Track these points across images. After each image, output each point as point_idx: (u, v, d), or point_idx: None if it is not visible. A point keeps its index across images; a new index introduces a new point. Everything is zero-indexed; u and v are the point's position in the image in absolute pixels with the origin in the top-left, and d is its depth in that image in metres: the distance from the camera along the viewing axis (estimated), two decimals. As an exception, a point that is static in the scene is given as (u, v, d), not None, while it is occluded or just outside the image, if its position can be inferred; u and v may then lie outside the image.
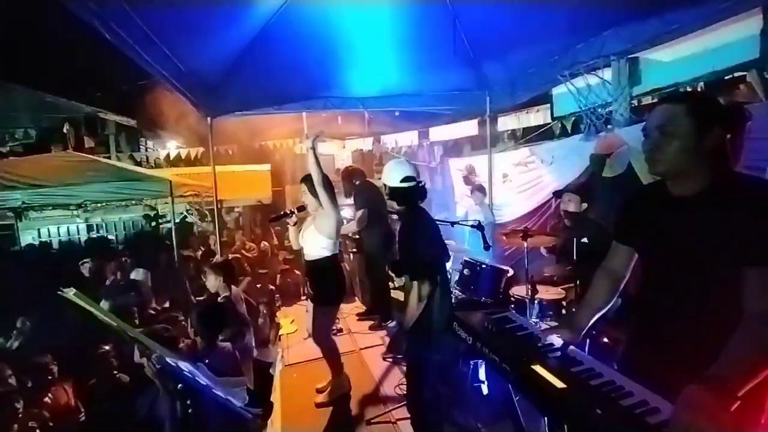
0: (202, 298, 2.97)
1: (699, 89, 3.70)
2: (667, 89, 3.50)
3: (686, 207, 1.12)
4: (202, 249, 6.39)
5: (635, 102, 3.92)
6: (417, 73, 4.05)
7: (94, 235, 8.32)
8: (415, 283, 1.83)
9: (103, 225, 8.69)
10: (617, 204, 1.46)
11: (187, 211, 8.43)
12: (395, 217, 3.89)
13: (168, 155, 10.22)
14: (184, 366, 1.06)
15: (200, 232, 7.81)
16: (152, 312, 4.10)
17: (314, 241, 2.59)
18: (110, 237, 8.42)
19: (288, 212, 2.75)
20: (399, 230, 1.99)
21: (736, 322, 0.99)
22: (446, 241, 4.09)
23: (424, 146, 8.63)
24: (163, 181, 4.58)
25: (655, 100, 4.45)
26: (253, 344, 2.99)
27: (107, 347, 2.43)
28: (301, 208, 2.70)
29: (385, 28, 3.28)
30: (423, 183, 2.00)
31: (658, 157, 1.10)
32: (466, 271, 2.94)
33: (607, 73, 3.55)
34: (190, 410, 1.08)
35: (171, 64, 3.10)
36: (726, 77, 3.55)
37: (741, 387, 0.91)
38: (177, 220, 7.85)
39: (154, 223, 8.08)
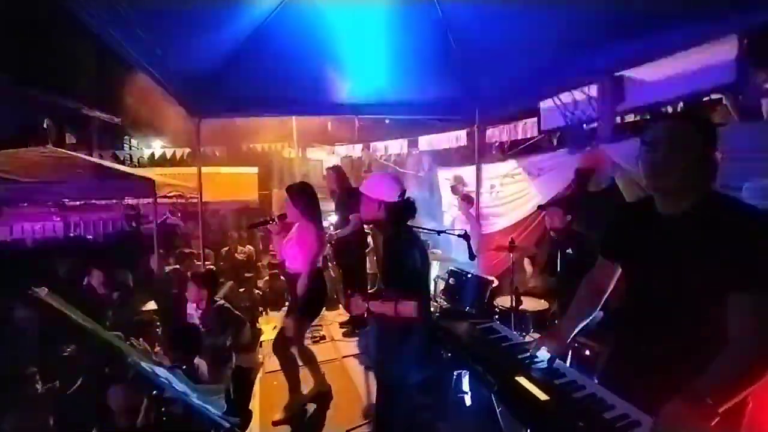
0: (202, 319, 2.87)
1: (679, 109, 3.84)
2: (649, 108, 3.61)
3: (673, 225, 1.14)
4: (185, 251, 6.25)
5: (618, 119, 4.03)
6: (408, 82, 4.08)
7: (72, 234, 8.05)
8: (413, 303, 1.71)
9: (81, 224, 8.42)
10: (600, 218, 1.49)
11: (170, 212, 8.24)
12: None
13: (152, 154, 10.03)
14: (160, 372, 1.01)
15: (183, 234, 7.64)
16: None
17: (294, 254, 2.53)
18: (89, 237, 8.16)
19: (269, 219, 2.70)
20: (387, 246, 1.87)
21: (718, 342, 1.01)
22: (432, 251, 4.13)
23: (413, 155, 8.68)
24: (145, 180, 4.46)
25: (638, 118, 4.60)
26: (232, 353, 2.92)
27: (70, 349, 2.33)
28: (283, 217, 2.64)
29: (377, 36, 3.30)
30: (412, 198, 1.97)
31: (665, 171, 1.10)
32: (451, 281, 2.95)
33: (593, 90, 3.65)
34: (164, 417, 1.04)
35: (160, 62, 3.05)
36: (704, 98, 3.70)
37: (722, 404, 0.92)
38: (159, 221, 7.67)
39: (134, 224, 7.87)
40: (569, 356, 2.27)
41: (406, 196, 1.86)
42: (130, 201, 7.87)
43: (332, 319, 4.38)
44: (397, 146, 8.15)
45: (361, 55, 3.52)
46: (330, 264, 4.75)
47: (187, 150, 9.26)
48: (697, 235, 1.08)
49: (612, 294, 1.43)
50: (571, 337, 1.42)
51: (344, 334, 4.02)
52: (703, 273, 1.06)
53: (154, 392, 1.02)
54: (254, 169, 9.58)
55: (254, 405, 2.86)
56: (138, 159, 11.14)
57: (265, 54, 3.35)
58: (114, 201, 7.82)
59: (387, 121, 7.08)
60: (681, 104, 3.80)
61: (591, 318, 1.44)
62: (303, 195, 2.59)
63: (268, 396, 2.96)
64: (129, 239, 7.50)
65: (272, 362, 3.49)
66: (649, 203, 1.21)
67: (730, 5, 2.32)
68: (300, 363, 2.75)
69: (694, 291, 1.09)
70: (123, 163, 10.00)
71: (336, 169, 4.26)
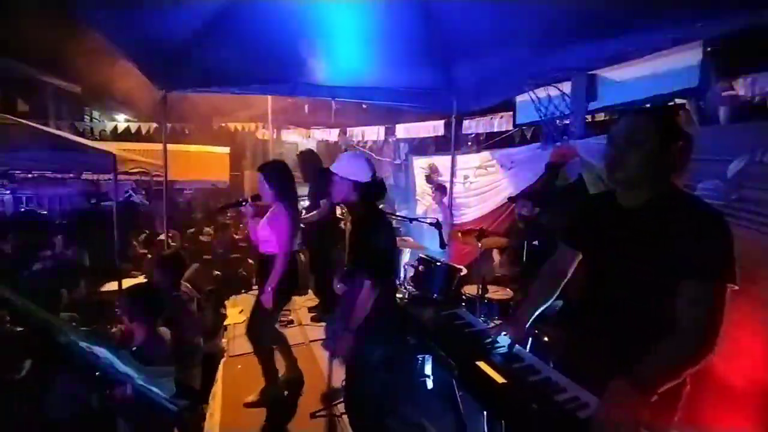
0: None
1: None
2: (619, 107, 3.73)
3: (632, 217, 1.19)
4: (146, 231, 6.00)
5: (589, 117, 4.15)
6: (387, 68, 4.01)
7: (23, 209, 7.54)
8: (368, 282, 1.73)
9: (34, 199, 7.89)
10: (566, 211, 1.53)
11: (132, 189, 7.85)
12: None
13: (115, 128, 9.46)
14: (100, 352, 0.95)
15: (146, 213, 7.32)
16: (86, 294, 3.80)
17: (267, 235, 2.43)
18: (42, 212, 7.66)
19: (240, 201, 2.56)
20: (356, 226, 1.88)
21: (667, 328, 1.07)
22: (404, 238, 4.15)
23: (390, 142, 8.66)
24: (105, 154, 4.18)
25: (607, 117, 4.76)
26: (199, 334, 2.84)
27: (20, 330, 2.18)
28: (256, 198, 2.52)
29: (358, 17, 3.21)
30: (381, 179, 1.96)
31: (620, 164, 1.15)
32: (421, 268, 2.97)
33: (567, 87, 3.72)
34: (108, 402, 0.98)
35: (123, 28, 2.85)
36: (669, 102, 3.86)
37: (660, 386, 0.99)
38: (121, 199, 7.30)
39: (94, 200, 7.44)
40: (529, 342, 2.35)
41: (377, 177, 1.85)
42: (89, 176, 7.42)
43: (301, 303, 4.35)
44: (374, 133, 8.09)
45: (339, 36, 3.41)
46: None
47: (154, 125, 8.79)
48: (653, 226, 1.13)
49: (570, 283, 1.48)
50: (530, 322, 1.46)
51: (312, 319, 4.01)
52: (656, 263, 1.11)
53: (97, 374, 0.96)
54: (225, 149, 9.26)
55: (217, 390, 2.81)
56: (100, 132, 10.48)
57: (237, 28, 3.18)
58: (71, 175, 7.36)
59: (364, 107, 6.97)
60: (648, 106, 3.95)
61: (550, 305, 1.48)
62: (277, 174, 2.46)
63: (231, 380, 2.92)
64: (87, 217, 7.11)
65: (237, 346, 3.44)
66: (612, 195, 1.26)
67: (694, 13, 2.41)
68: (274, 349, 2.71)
69: (647, 280, 1.14)
70: (83, 135, 9.37)
71: (308, 154, 4.16)
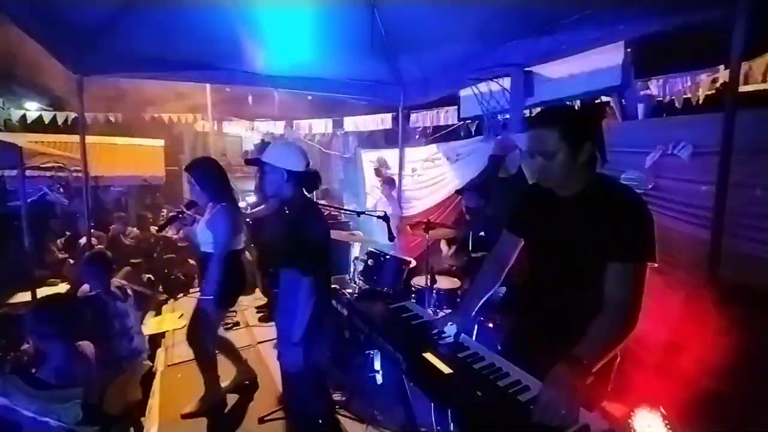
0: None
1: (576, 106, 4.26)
2: (554, 102, 3.95)
3: (567, 206, 1.26)
4: (68, 233, 5.38)
5: (528, 112, 4.36)
6: (333, 59, 3.89)
7: None
8: (305, 280, 1.66)
9: None
10: (509, 202, 1.58)
11: (48, 187, 6.96)
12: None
13: (24, 117, 8.30)
14: None
15: (65, 213, 6.52)
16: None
17: (207, 237, 2.26)
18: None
19: (177, 214, 2.39)
20: (292, 220, 1.77)
21: (601, 308, 1.13)
22: (353, 232, 4.10)
23: (338, 135, 8.51)
24: (8, 146, 3.63)
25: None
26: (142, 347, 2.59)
27: None
28: (191, 205, 2.36)
29: (303, 5, 3.07)
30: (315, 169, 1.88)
31: (545, 176, 1.25)
32: (370, 262, 2.95)
33: (507, 82, 3.87)
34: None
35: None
36: (596, 99, 4.16)
37: (595, 364, 1.05)
38: (34, 198, 6.44)
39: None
40: (475, 330, 2.43)
41: (311, 167, 1.80)
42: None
43: (248, 304, 4.15)
44: (321, 125, 7.90)
45: (284, 22, 3.25)
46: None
47: (73, 115, 7.84)
48: (585, 214, 1.21)
49: (514, 271, 1.53)
50: (476, 310, 1.50)
51: (260, 319, 3.85)
52: (588, 246, 1.19)
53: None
54: (160, 142, 8.53)
55: (154, 403, 2.59)
56: (5, 122, 9.14)
57: (162, 5, 2.90)
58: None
59: (310, 98, 6.77)
60: (578, 102, 4.24)
61: (494, 293, 1.53)
62: (207, 173, 2.27)
63: (170, 391, 2.71)
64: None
65: (177, 354, 3.20)
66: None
67: (614, 15, 2.62)
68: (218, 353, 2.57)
69: (582, 263, 1.21)
70: (-20, 125, 8.14)
71: (264, 146, 3.96)
